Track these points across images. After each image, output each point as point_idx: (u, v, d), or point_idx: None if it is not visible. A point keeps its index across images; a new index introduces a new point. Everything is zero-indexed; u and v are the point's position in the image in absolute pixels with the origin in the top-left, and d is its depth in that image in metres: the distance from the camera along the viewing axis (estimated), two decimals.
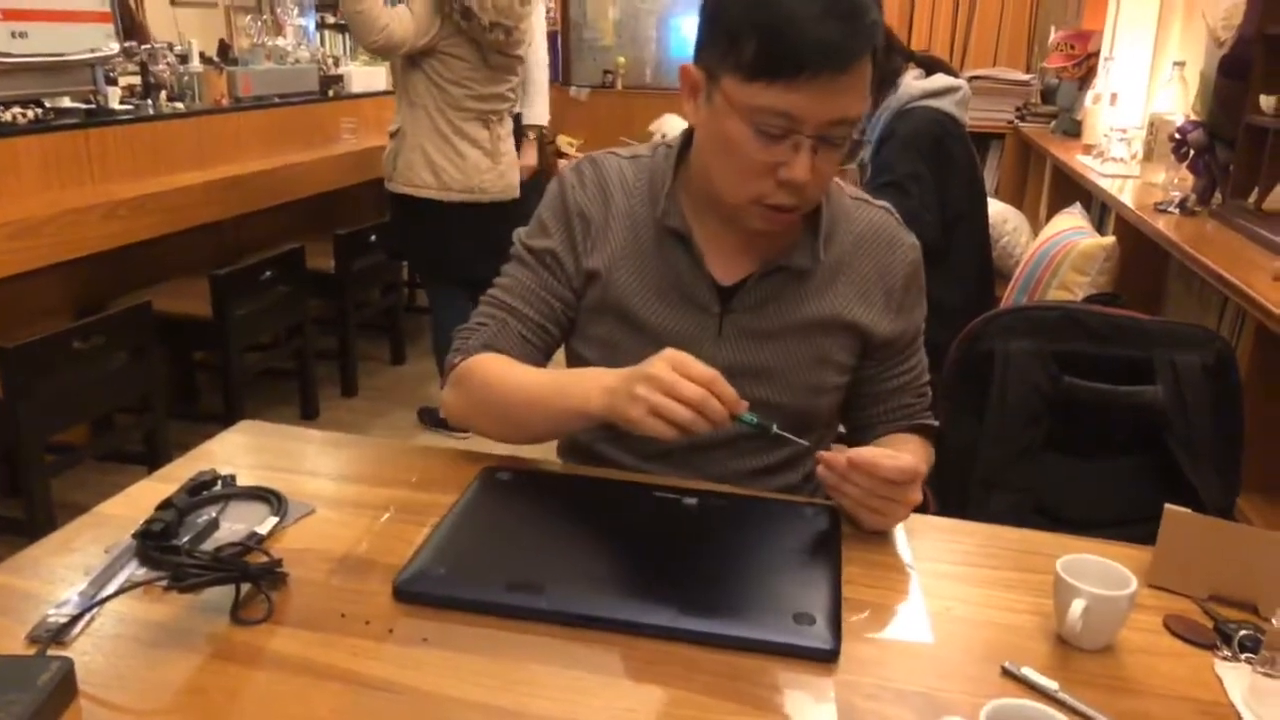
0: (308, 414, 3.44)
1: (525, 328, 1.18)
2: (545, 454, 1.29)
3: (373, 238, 3.61)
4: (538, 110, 3.62)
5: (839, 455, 0.98)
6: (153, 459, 2.65)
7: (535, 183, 3.40)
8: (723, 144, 1.04)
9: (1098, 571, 0.84)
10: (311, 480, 1.09)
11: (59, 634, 0.78)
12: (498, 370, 1.13)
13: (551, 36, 5.97)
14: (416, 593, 0.85)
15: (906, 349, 1.21)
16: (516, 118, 3.37)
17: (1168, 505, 0.92)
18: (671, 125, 4.73)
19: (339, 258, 3.50)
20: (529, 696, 0.74)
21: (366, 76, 4.38)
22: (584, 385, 1.03)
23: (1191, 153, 2.25)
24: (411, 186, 2.99)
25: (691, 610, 0.83)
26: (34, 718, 0.67)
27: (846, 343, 1.16)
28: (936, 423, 1.24)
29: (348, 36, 6.64)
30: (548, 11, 5.58)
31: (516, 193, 3.18)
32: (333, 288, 3.53)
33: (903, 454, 0.99)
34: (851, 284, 1.16)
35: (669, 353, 0.95)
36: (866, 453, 0.97)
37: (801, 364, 1.15)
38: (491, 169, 3.06)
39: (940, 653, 0.82)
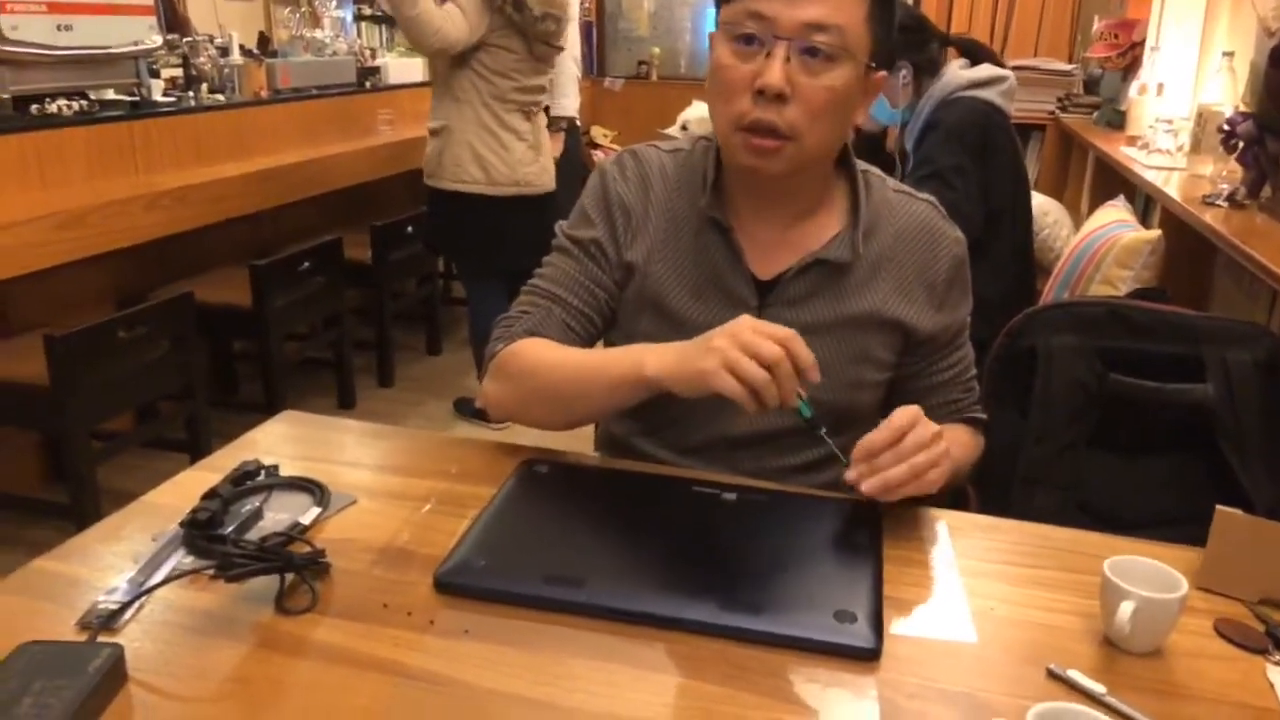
0: (345, 404, 3.48)
1: (570, 316, 1.17)
2: (584, 447, 1.29)
3: (409, 229, 3.63)
4: (567, 102, 3.62)
5: (852, 472, 0.96)
6: (194, 446, 2.69)
7: (569, 175, 3.40)
8: (714, 75, 1.07)
9: (1146, 573, 0.82)
10: (353, 471, 1.09)
11: (109, 621, 0.80)
12: (544, 351, 1.12)
13: (586, 27, 5.97)
14: (457, 584, 0.86)
15: (950, 344, 1.19)
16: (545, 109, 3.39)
17: (1219, 506, 0.90)
18: (695, 112, 4.68)
19: (376, 249, 3.53)
20: (568, 690, 0.75)
21: (403, 68, 4.40)
22: (639, 352, 1.02)
23: (1241, 145, 2.20)
24: (460, 183, 3.00)
25: (731, 606, 0.82)
26: (85, 703, 0.68)
27: (888, 339, 1.15)
28: (985, 416, 1.23)
29: (385, 28, 6.67)
30: (582, 2, 5.58)
31: (554, 184, 3.19)
32: (370, 278, 3.56)
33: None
34: (893, 279, 1.14)
35: (746, 317, 0.95)
36: (860, 444, 0.96)
37: (842, 360, 1.13)
38: (534, 161, 3.08)
39: (983, 653, 0.81)
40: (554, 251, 1.22)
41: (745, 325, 0.93)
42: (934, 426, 0.97)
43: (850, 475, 0.96)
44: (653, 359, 0.99)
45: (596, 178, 1.20)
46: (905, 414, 0.96)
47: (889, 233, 1.15)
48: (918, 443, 0.95)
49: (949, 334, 1.18)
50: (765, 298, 1.14)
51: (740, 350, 0.91)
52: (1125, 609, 0.79)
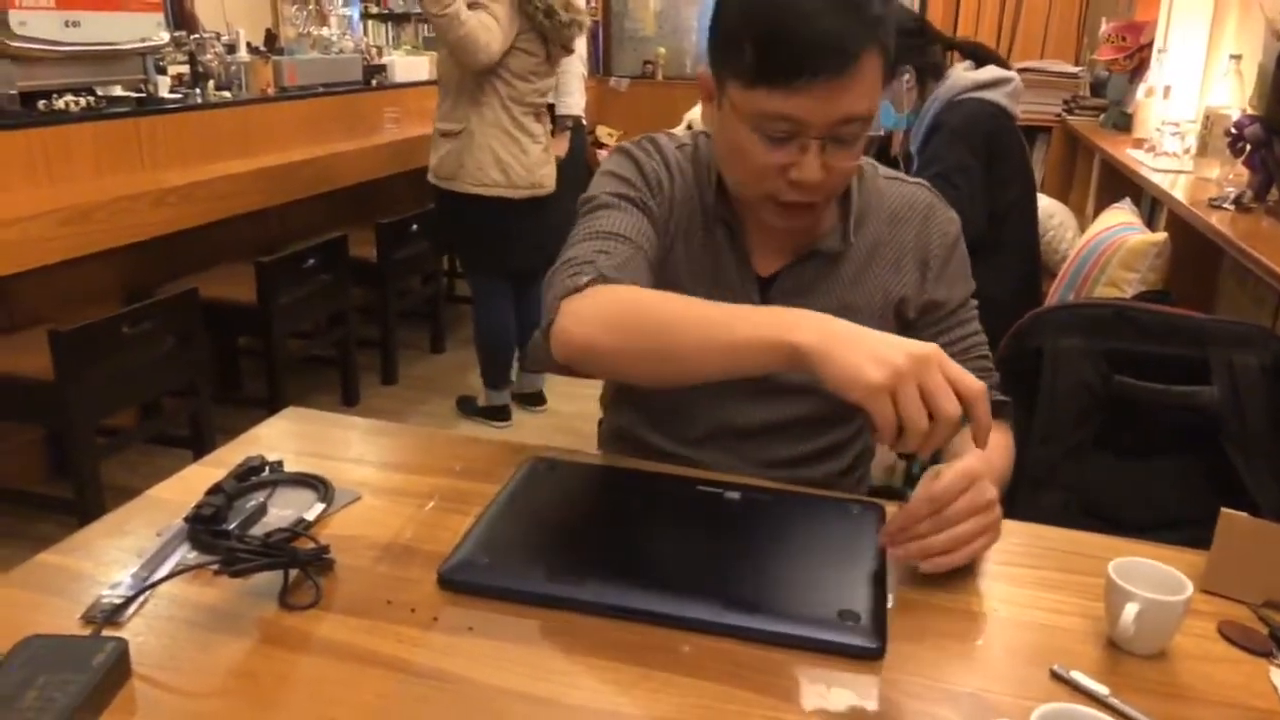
0: (348, 401, 3.48)
1: (647, 263, 1.07)
2: (588, 444, 1.29)
3: (414, 227, 3.63)
4: (573, 100, 3.63)
5: (883, 536, 0.90)
6: (197, 443, 2.70)
7: (574, 175, 3.40)
8: (733, 148, 1.04)
9: (1150, 575, 0.82)
10: (357, 468, 1.10)
11: (113, 615, 0.80)
12: (647, 290, 1.01)
13: (592, 27, 5.97)
14: (461, 581, 0.86)
15: (950, 318, 1.17)
16: (550, 108, 3.40)
17: (1224, 509, 0.90)
18: (700, 114, 4.68)
19: (381, 246, 3.54)
20: (571, 688, 0.75)
21: (409, 67, 4.40)
22: (786, 314, 0.88)
23: (1248, 148, 2.19)
24: (482, 186, 3.01)
25: (735, 605, 0.82)
26: (89, 697, 0.68)
27: (888, 325, 1.15)
28: (1007, 398, 1.15)
29: (391, 26, 6.67)
30: (588, 2, 5.58)
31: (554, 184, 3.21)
32: (374, 276, 3.56)
33: (941, 477, 0.88)
34: (888, 262, 1.15)
35: (938, 349, 0.81)
36: (899, 512, 0.90)
37: None
38: (546, 163, 3.11)
39: (987, 654, 0.81)
40: (597, 210, 1.11)
41: (936, 362, 0.79)
42: (991, 492, 0.88)
43: (881, 539, 0.90)
44: (810, 327, 0.84)
45: (625, 156, 1.16)
46: (954, 481, 0.87)
47: (881, 218, 1.16)
48: (969, 508, 0.87)
49: (949, 306, 1.16)
50: (766, 294, 1.15)
51: (917, 386, 0.78)
52: (1129, 611, 0.78)
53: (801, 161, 0.99)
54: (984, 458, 0.90)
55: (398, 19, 6.92)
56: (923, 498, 0.87)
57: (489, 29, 2.82)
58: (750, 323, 0.88)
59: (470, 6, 2.82)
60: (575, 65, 3.59)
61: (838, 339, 0.82)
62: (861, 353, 0.80)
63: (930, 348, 0.81)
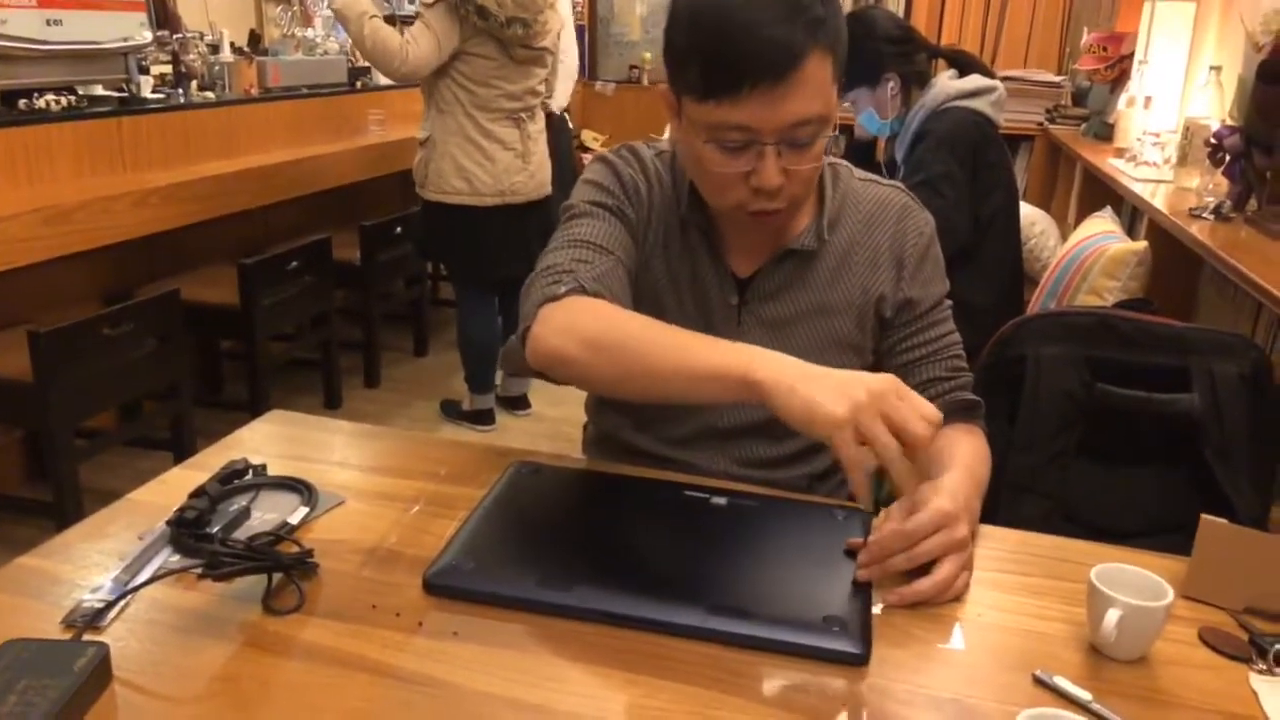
0: (331, 404, 3.46)
1: (625, 274, 1.11)
2: (572, 449, 1.29)
3: (398, 230, 3.62)
4: (555, 100, 3.61)
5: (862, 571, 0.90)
6: (178, 445, 2.68)
7: (558, 175, 3.39)
8: (696, 160, 1.06)
9: (1132, 581, 0.83)
10: (341, 471, 1.09)
11: (94, 619, 0.79)
12: (621, 310, 1.03)
13: (578, 31, 5.97)
14: (446, 586, 0.86)
15: (924, 317, 1.17)
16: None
17: (1204, 515, 0.91)
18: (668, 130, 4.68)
19: (364, 249, 3.52)
20: (557, 693, 0.74)
21: None
22: (746, 351, 0.91)
23: (1227, 158, 2.22)
24: (443, 194, 3.00)
25: (721, 611, 0.82)
26: (70, 702, 0.68)
27: (865, 322, 1.17)
28: (977, 398, 1.16)
29: None
30: (574, 5, 5.57)
31: (549, 190, 3.19)
32: (358, 279, 3.55)
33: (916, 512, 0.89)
34: (863, 260, 1.16)
35: (893, 377, 0.86)
36: (873, 541, 0.90)
37: (820, 349, 1.15)
38: (522, 169, 3.07)
39: (971, 659, 0.82)
40: (577, 217, 1.14)
41: (894, 391, 0.84)
42: (962, 531, 0.90)
43: (859, 560, 0.90)
44: (767, 365, 0.88)
45: (604, 165, 1.18)
46: (929, 519, 0.88)
47: (856, 219, 1.17)
48: (940, 548, 0.89)
49: (923, 306, 1.17)
50: (744, 294, 1.16)
51: (881, 417, 0.82)
52: (1111, 616, 0.79)
53: (759, 168, 1.01)
54: (957, 494, 0.93)
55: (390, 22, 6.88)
56: (895, 532, 0.89)
57: (414, 38, 2.81)
58: (714, 352, 0.92)
59: (416, 16, 2.86)
60: (565, 61, 3.58)
61: (798, 377, 0.87)
62: (821, 389, 0.85)
63: (887, 379, 0.86)
